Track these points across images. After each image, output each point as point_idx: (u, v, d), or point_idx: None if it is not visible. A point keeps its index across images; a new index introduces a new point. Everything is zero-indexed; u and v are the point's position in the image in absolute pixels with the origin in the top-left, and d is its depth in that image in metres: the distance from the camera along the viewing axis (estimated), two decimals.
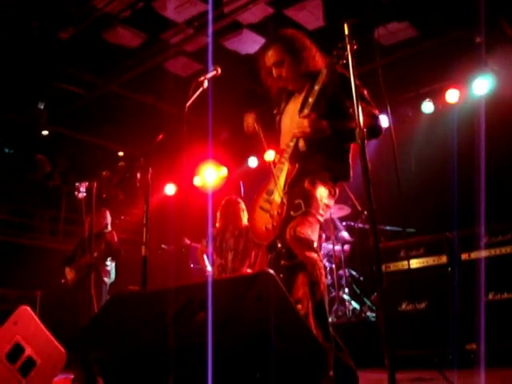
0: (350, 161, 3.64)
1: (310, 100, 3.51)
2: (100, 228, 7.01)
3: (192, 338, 1.93)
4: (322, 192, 3.48)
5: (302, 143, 3.56)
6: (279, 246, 3.49)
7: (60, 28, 7.22)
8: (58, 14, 7.01)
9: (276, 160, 3.68)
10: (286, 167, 3.56)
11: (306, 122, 3.46)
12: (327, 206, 3.53)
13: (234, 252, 6.28)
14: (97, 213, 7.09)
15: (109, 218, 7.22)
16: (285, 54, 3.66)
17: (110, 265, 7.00)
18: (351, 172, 3.64)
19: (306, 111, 3.51)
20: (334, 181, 3.59)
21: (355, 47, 2.98)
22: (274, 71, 3.73)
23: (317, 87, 3.51)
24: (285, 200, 3.45)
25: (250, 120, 3.90)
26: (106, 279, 6.85)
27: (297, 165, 3.52)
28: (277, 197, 3.54)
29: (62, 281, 7.00)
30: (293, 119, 3.68)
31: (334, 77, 3.49)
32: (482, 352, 4.60)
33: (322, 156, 3.55)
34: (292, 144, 3.56)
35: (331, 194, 3.57)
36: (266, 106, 4.07)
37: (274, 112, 3.99)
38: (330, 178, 3.56)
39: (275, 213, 3.50)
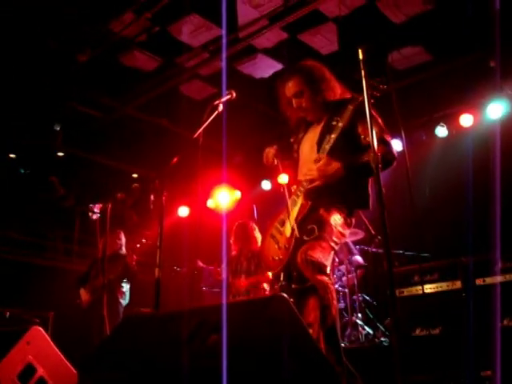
0: (370, 190, 3.64)
1: (333, 136, 3.53)
2: (114, 249, 7.00)
3: (206, 361, 1.92)
4: (336, 219, 3.49)
5: (317, 182, 3.57)
6: (282, 276, 3.50)
7: (78, 50, 7.33)
8: (77, 37, 7.12)
9: (292, 189, 3.71)
10: (299, 201, 3.57)
11: (315, 171, 3.49)
12: (342, 234, 3.53)
13: (246, 274, 6.33)
14: (111, 234, 7.11)
15: (123, 240, 7.22)
16: (304, 85, 3.72)
17: (126, 286, 6.98)
18: (370, 201, 3.64)
19: (326, 147, 3.53)
20: (349, 210, 3.60)
21: (384, 86, 3.02)
22: (293, 102, 3.78)
23: (340, 124, 3.52)
24: (296, 233, 3.47)
25: (270, 154, 3.95)
26: (121, 301, 6.82)
27: (310, 202, 3.54)
28: (287, 229, 3.56)
29: (77, 301, 6.99)
30: (312, 149, 3.71)
31: (360, 115, 3.46)
32: (498, 379, 4.53)
33: (338, 191, 3.56)
34: (306, 184, 3.58)
35: (346, 223, 3.57)
36: (285, 138, 4.10)
37: (291, 140, 4.03)
38: (346, 207, 3.58)
39: (283, 246, 3.52)
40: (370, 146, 2.84)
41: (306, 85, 3.72)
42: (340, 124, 3.52)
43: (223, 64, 7.47)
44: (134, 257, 6.96)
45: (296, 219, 3.52)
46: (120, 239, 7.16)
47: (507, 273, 4.91)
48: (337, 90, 3.77)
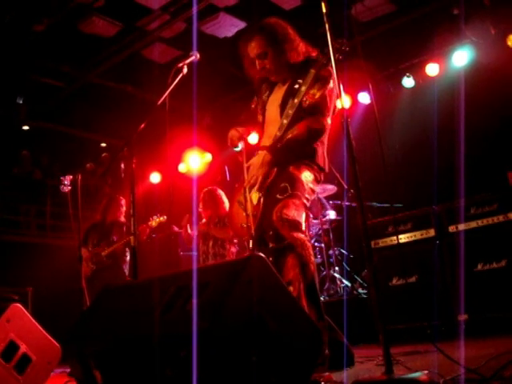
0: (320, 150, 3.67)
1: (296, 101, 3.51)
2: (116, 216, 6.85)
3: (185, 326, 1.93)
4: (307, 176, 3.52)
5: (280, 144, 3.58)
6: (251, 243, 3.53)
7: (34, 20, 7.13)
8: (32, 7, 6.91)
9: (256, 154, 3.71)
10: (264, 169, 3.57)
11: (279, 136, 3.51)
12: (312, 190, 3.56)
13: (213, 238, 6.40)
14: (112, 200, 6.96)
15: (124, 207, 6.92)
16: (268, 46, 3.66)
17: (128, 256, 6.68)
18: (327, 160, 3.71)
19: (289, 112, 3.53)
20: (318, 166, 3.62)
21: (347, 48, 3.00)
22: (257, 63, 3.73)
23: (303, 88, 3.50)
24: (261, 201, 3.50)
25: (234, 137, 3.92)
26: (125, 271, 6.62)
27: (275, 168, 3.54)
28: (254, 197, 3.56)
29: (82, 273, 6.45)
30: (276, 111, 3.70)
31: (318, 79, 3.51)
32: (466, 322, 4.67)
33: (302, 150, 3.60)
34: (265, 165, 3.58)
35: (316, 180, 3.59)
36: (247, 108, 4.09)
37: (253, 106, 4.01)
38: (315, 163, 3.60)
39: (250, 213, 3.53)
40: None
41: (270, 46, 3.66)
42: (303, 88, 3.51)
43: (194, 24, 7.33)
44: (147, 230, 6.66)
45: (263, 186, 3.53)
46: (122, 206, 6.92)
47: (479, 218, 4.99)
48: (301, 50, 3.71)
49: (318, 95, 3.50)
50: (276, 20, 3.79)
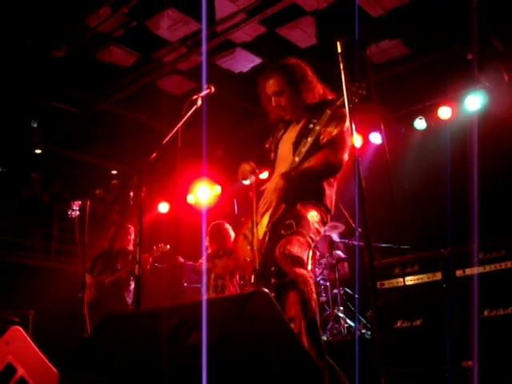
0: (327, 189, 3.67)
1: (309, 140, 3.53)
2: (123, 244, 6.84)
3: (186, 359, 1.90)
4: (313, 215, 3.51)
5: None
6: (253, 279, 3.51)
7: (54, 46, 7.24)
8: (52, 33, 7.03)
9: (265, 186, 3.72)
10: (277, 193, 3.57)
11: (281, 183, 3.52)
12: (318, 230, 3.54)
13: (215, 271, 6.40)
14: (121, 228, 6.96)
15: (133, 236, 6.89)
16: (285, 84, 3.71)
17: (133, 284, 6.58)
18: (333, 199, 3.71)
19: (302, 150, 3.53)
20: (325, 207, 3.61)
21: (364, 92, 3.02)
22: (273, 100, 3.77)
23: (317, 128, 3.52)
24: (267, 237, 3.49)
25: (246, 171, 3.94)
26: (128, 300, 6.54)
27: (283, 205, 3.54)
28: (260, 231, 3.56)
29: (79, 295, 6.41)
30: (289, 150, 3.71)
31: (333, 119, 3.53)
32: (476, 369, 4.58)
33: (309, 189, 3.60)
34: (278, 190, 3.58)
35: (322, 221, 3.59)
36: (261, 147, 4.12)
37: (267, 146, 4.04)
38: (322, 204, 3.60)
39: (255, 248, 3.52)
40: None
41: (287, 85, 3.70)
42: (317, 128, 3.53)
43: (203, 58, 7.43)
44: (150, 259, 6.60)
45: (271, 220, 3.53)
46: (130, 234, 6.91)
47: (486, 264, 4.95)
48: (318, 91, 3.76)
49: (335, 132, 3.50)
50: (296, 60, 3.83)
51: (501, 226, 5.96)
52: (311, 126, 3.59)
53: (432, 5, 6.62)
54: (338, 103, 3.49)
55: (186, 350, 1.99)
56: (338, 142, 3.55)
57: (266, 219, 3.59)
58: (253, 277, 3.51)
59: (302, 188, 3.55)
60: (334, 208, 3.72)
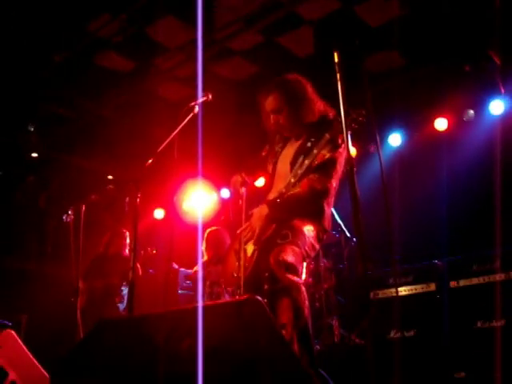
0: (327, 208, 3.68)
1: (306, 162, 3.48)
2: (118, 249, 6.81)
3: (179, 365, 1.91)
4: (310, 230, 3.52)
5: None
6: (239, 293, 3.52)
7: (53, 51, 7.25)
8: (52, 37, 7.03)
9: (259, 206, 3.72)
10: (260, 223, 3.58)
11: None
12: (313, 246, 3.55)
13: (210, 279, 6.40)
14: (117, 233, 6.95)
15: (128, 241, 6.95)
16: (284, 103, 3.70)
17: (125, 290, 6.72)
18: (329, 223, 3.72)
19: (298, 172, 3.49)
20: (321, 225, 3.62)
21: (364, 119, 3.04)
22: (271, 117, 3.76)
23: (315, 151, 3.48)
24: (255, 255, 3.50)
25: (237, 183, 3.95)
26: (119, 305, 6.57)
27: (274, 225, 3.55)
28: (250, 248, 3.57)
29: (72, 299, 6.41)
30: (286, 169, 3.72)
31: (333, 142, 3.50)
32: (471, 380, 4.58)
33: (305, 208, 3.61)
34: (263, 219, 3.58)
35: (318, 238, 3.59)
36: (255, 155, 4.12)
37: (263, 154, 4.03)
38: (319, 222, 3.61)
39: (243, 264, 3.53)
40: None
41: (286, 103, 3.69)
42: (315, 151, 3.46)
43: (199, 65, 7.44)
44: (138, 265, 6.60)
45: (258, 242, 3.54)
46: (126, 239, 6.90)
47: (480, 275, 4.96)
48: (318, 108, 3.74)
49: (327, 155, 3.47)
50: (296, 77, 3.82)
51: (495, 238, 5.96)
52: (309, 144, 3.56)
53: (430, 16, 6.64)
54: (339, 128, 3.46)
55: (179, 356, 1.99)
56: (328, 168, 3.54)
57: (250, 247, 3.60)
58: (239, 291, 3.52)
59: (299, 209, 3.55)
60: (327, 231, 3.74)
